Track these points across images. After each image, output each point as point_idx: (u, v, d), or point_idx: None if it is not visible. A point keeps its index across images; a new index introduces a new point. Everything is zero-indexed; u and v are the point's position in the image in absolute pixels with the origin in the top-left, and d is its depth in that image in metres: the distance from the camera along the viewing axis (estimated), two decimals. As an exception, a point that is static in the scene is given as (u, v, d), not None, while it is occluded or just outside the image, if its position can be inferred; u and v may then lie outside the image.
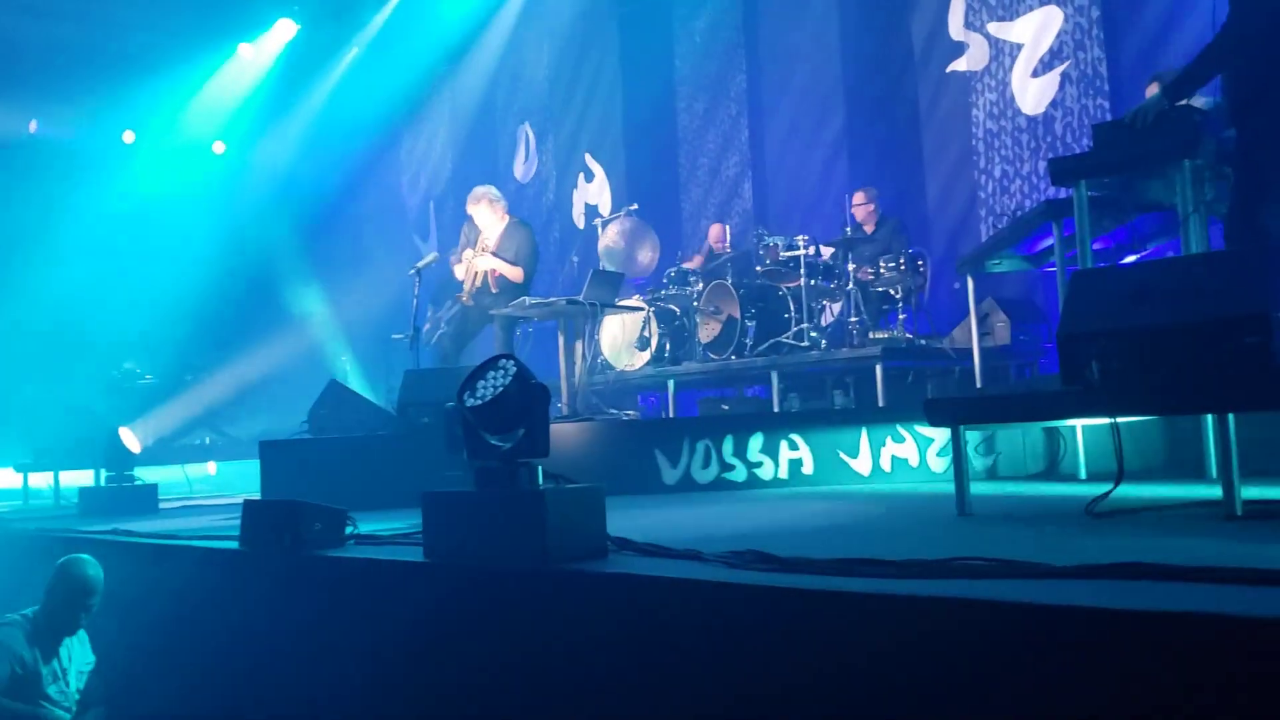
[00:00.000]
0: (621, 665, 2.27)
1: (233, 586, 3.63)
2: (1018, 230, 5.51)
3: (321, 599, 3.18)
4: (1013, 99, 8.28)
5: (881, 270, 7.49)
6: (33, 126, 12.39)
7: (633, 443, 5.61)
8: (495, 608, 2.60)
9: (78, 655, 4.45)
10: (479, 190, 7.34)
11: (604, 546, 2.66)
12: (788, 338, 7.53)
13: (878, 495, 4.50)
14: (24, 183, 11.83)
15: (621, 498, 4.04)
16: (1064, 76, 7.94)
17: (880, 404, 6.67)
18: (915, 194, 8.94)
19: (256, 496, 4.97)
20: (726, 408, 8.37)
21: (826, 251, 7.86)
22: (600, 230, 9.08)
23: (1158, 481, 4.05)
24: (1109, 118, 7.13)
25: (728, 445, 5.36)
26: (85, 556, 4.33)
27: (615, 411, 7.25)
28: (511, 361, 2.72)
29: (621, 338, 8.61)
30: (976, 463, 5.12)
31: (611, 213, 9.77)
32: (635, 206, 9.21)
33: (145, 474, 6.86)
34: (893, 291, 7.51)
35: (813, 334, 7.40)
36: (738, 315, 7.79)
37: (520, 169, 12.81)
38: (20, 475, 8.72)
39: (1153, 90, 4.93)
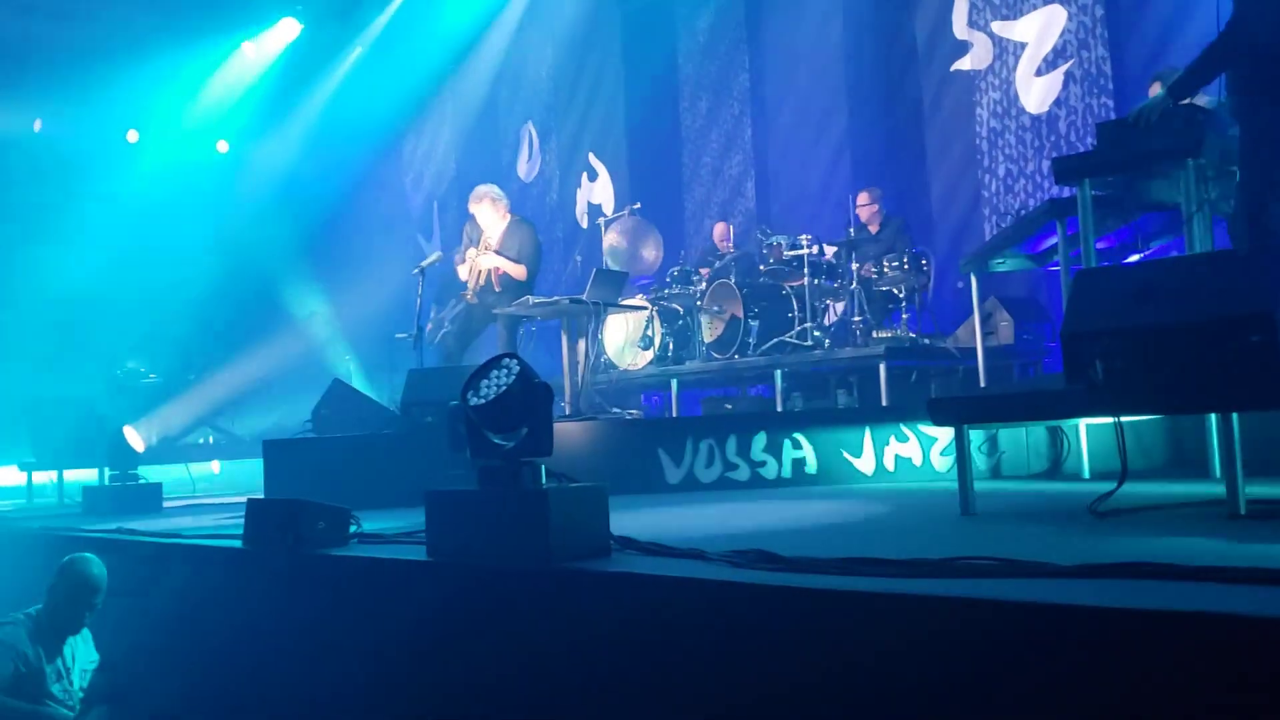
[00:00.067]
0: (625, 665, 2.27)
1: (236, 585, 3.63)
2: (1021, 229, 5.51)
3: (324, 598, 3.19)
4: (1016, 98, 8.27)
5: (885, 269, 7.49)
6: (37, 125, 12.42)
7: (636, 442, 5.62)
8: (498, 607, 2.60)
9: (81, 654, 4.46)
10: (481, 189, 7.34)
11: (607, 546, 2.65)
12: (791, 337, 7.52)
13: (881, 495, 4.50)
14: (28, 181, 11.85)
15: (625, 497, 4.05)
16: (1068, 75, 7.93)
17: (884, 403, 6.67)
18: (919, 193, 8.94)
19: (260, 495, 4.97)
20: (730, 407, 8.37)
21: (830, 251, 7.86)
22: (603, 230, 9.08)
23: (1161, 480, 4.05)
24: (1113, 117, 7.12)
25: (731, 445, 5.36)
26: (89, 555, 4.34)
27: (618, 411, 7.25)
28: (515, 360, 2.72)
29: (625, 337, 8.61)
30: (980, 462, 5.11)
31: (614, 212, 9.77)
32: (638, 205, 9.21)
33: (149, 473, 6.86)
34: (896, 291, 7.51)
35: (816, 333, 7.40)
36: (741, 314, 7.79)
37: (524, 168, 12.81)
38: (24, 474, 8.72)
39: (1156, 89, 4.92)
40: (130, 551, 4.36)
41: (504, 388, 2.66)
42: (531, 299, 6.85)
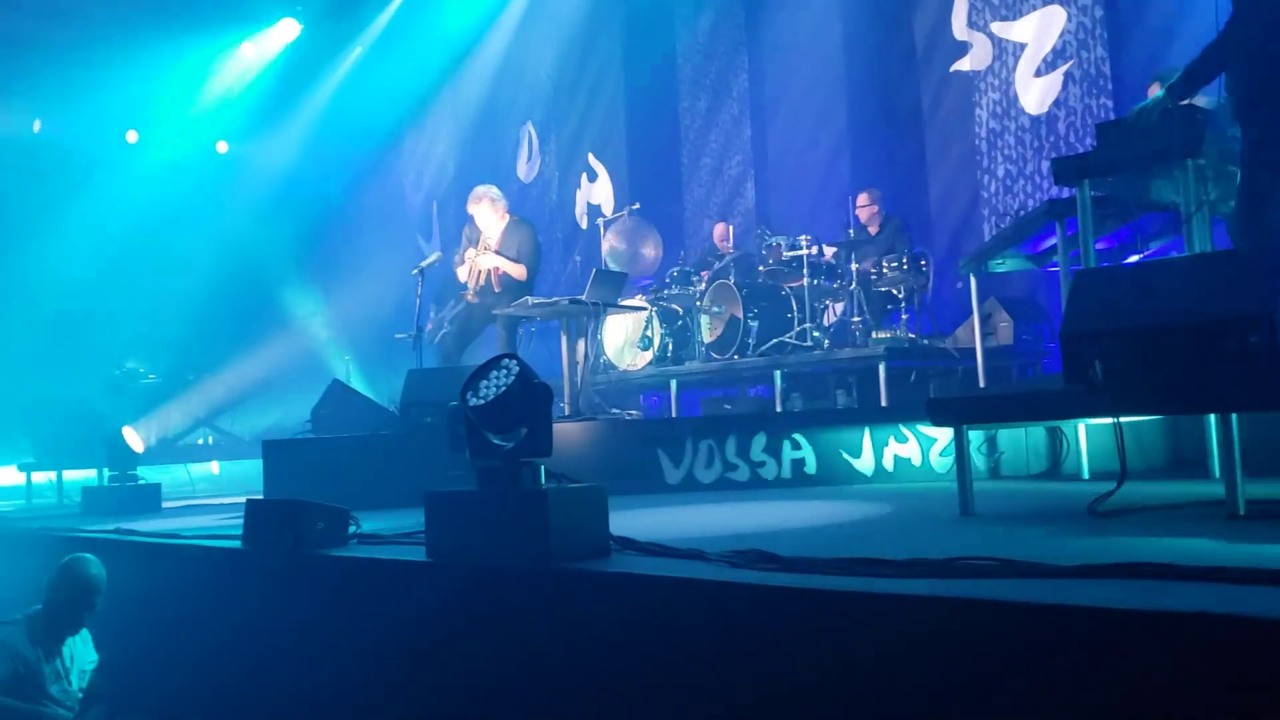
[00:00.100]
0: (624, 665, 2.27)
1: (235, 586, 3.63)
2: (1021, 230, 5.50)
3: (324, 598, 3.18)
4: (1016, 98, 8.27)
5: (884, 270, 7.49)
6: (37, 126, 12.42)
7: (635, 442, 5.62)
8: (498, 607, 2.60)
9: (80, 654, 4.46)
10: (479, 190, 7.34)
11: (606, 546, 2.66)
12: (790, 337, 7.53)
13: (881, 495, 4.50)
14: (27, 182, 11.85)
15: (624, 497, 4.05)
16: (1067, 76, 7.94)
17: (883, 404, 6.67)
18: (918, 193, 8.93)
19: (259, 496, 4.97)
20: (729, 407, 8.37)
21: (829, 251, 7.87)
22: (603, 230, 9.08)
23: (1160, 481, 4.05)
24: (1112, 117, 7.12)
25: (730, 445, 5.36)
26: (88, 556, 4.34)
27: (618, 411, 7.25)
28: (514, 361, 2.72)
29: (624, 337, 8.61)
30: (979, 462, 5.11)
31: (614, 212, 9.77)
32: (637, 206, 9.21)
33: (148, 473, 6.86)
34: (895, 291, 7.51)
35: (815, 334, 7.40)
36: (740, 315, 7.79)
37: (523, 169, 12.82)
38: (23, 474, 8.72)
39: (1156, 89, 4.92)
40: (129, 552, 4.36)
41: (503, 388, 2.66)
42: (531, 299, 6.84)
